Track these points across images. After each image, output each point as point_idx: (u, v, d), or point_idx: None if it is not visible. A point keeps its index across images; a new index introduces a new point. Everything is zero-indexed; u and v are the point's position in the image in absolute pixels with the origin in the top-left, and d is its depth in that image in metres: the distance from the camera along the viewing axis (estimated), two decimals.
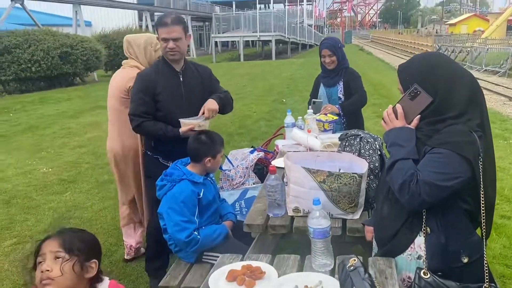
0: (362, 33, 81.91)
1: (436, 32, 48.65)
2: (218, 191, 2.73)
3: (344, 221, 2.12)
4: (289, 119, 3.47)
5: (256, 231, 2.18)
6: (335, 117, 3.33)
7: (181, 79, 2.70)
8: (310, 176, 2.05)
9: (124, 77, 3.00)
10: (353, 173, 2.02)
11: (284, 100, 10.80)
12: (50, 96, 12.66)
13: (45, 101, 11.81)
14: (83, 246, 1.42)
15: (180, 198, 2.40)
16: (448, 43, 28.45)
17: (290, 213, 2.19)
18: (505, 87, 13.58)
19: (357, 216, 2.13)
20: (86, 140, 7.39)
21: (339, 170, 2.09)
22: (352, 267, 1.38)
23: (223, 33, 30.91)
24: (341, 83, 3.58)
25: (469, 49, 21.21)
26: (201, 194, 2.46)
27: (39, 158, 6.44)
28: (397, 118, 1.69)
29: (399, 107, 1.68)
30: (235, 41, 33.41)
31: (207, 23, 39.60)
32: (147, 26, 25.21)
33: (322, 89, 3.69)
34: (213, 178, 2.69)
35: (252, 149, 3.50)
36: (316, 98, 3.69)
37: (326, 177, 2.03)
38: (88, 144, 7.10)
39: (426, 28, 63.52)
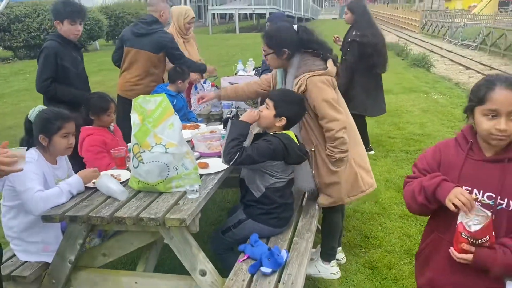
0: None
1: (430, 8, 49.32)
2: (186, 103, 4.30)
3: None
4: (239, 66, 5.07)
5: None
6: None
7: None
8: None
9: None
10: None
11: None
12: None
13: None
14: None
15: None
16: (433, 18, 29.63)
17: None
18: (469, 58, 15.05)
19: None
20: None
21: None
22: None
23: (220, 5, 31.89)
24: None
25: (449, 24, 22.55)
26: (175, 102, 4.04)
27: None
28: None
29: None
30: (233, 13, 34.30)
31: None
32: None
33: None
34: (182, 95, 4.26)
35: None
36: None
37: None
38: None
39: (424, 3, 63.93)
